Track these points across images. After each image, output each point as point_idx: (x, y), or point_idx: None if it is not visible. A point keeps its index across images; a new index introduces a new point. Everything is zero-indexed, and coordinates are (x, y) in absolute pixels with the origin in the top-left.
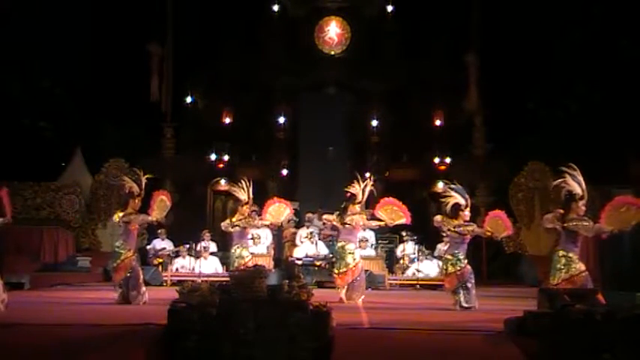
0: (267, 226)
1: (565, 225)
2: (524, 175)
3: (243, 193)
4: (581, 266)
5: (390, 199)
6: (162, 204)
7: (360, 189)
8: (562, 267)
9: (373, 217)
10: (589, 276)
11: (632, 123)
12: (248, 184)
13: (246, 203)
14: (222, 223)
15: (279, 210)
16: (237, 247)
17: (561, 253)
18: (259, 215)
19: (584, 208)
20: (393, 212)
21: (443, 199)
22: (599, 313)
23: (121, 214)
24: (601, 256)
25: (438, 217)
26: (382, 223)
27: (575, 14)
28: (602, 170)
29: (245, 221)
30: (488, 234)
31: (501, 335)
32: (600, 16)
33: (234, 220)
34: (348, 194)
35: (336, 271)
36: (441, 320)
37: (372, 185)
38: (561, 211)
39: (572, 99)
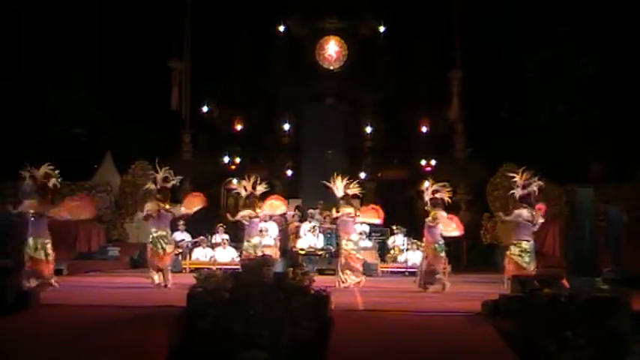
0: (273, 219)
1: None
2: (499, 176)
3: (246, 190)
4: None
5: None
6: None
7: (335, 185)
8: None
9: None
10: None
11: (592, 130)
12: (255, 180)
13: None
14: (241, 213)
15: (274, 205)
16: (257, 237)
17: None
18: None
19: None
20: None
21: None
22: (563, 297)
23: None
24: (565, 246)
25: (430, 218)
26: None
27: (543, 36)
28: (566, 171)
29: (252, 212)
30: None
31: (479, 316)
32: (565, 37)
33: (245, 213)
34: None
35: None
36: (426, 303)
37: (358, 185)
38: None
39: (540, 109)
